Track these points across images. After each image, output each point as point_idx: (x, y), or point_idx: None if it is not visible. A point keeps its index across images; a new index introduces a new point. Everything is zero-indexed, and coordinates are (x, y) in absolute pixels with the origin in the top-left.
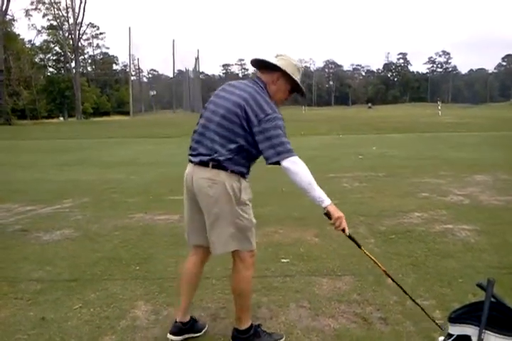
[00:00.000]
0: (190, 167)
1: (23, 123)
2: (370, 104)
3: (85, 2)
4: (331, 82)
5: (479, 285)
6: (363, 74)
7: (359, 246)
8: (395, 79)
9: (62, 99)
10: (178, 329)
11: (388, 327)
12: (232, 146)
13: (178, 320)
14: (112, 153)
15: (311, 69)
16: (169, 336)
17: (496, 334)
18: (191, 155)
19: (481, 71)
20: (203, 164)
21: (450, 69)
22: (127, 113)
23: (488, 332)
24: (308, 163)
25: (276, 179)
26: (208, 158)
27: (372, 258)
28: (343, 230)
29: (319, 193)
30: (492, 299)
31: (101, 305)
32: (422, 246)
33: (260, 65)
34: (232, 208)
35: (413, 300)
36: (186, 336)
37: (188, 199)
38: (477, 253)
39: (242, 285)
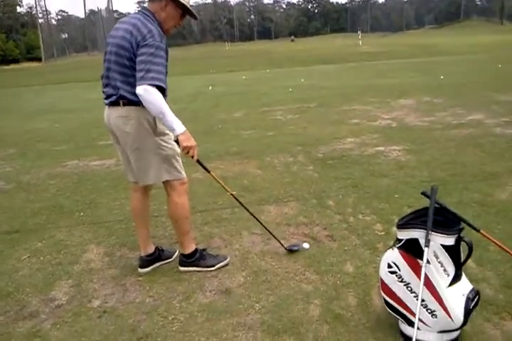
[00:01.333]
0: (106, 109)
1: None
2: (292, 37)
3: None
4: (252, 16)
5: (424, 194)
6: (284, 6)
7: (208, 171)
8: (316, 10)
9: None
10: (144, 262)
11: (336, 242)
12: (131, 80)
13: (142, 254)
14: (28, 102)
15: (231, 3)
16: (139, 270)
17: (440, 234)
18: (104, 98)
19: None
20: (114, 104)
21: None
22: (38, 59)
23: (434, 233)
24: (240, 99)
25: (209, 118)
26: (115, 97)
27: (220, 182)
28: (192, 157)
29: (171, 123)
30: (435, 205)
31: (50, 253)
32: (358, 168)
33: None
34: (152, 140)
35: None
36: (157, 264)
37: (114, 141)
38: (409, 171)
39: (177, 211)
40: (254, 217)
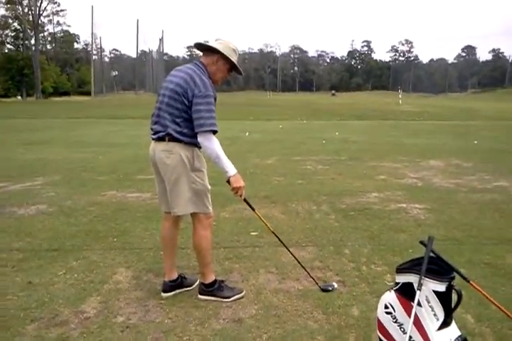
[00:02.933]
0: (152, 144)
1: None
2: (333, 91)
3: None
4: (296, 68)
5: (421, 242)
6: (328, 60)
7: (253, 209)
8: (359, 66)
9: (20, 77)
10: (167, 287)
11: (346, 288)
12: (179, 120)
13: (166, 279)
14: (76, 134)
15: (277, 54)
16: (162, 294)
17: (432, 280)
18: (152, 134)
19: (442, 61)
20: (160, 139)
21: (412, 58)
22: (88, 93)
23: (427, 278)
24: (274, 146)
25: (243, 162)
26: (163, 133)
27: (264, 220)
28: (241, 196)
29: (225, 166)
30: (432, 254)
31: (84, 272)
32: (377, 222)
33: (202, 48)
34: (188, 174)
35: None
36: (178, 291)
37: (155, 173)
38: (426, 228)
39: (201, 243)
40: (292, 254)
